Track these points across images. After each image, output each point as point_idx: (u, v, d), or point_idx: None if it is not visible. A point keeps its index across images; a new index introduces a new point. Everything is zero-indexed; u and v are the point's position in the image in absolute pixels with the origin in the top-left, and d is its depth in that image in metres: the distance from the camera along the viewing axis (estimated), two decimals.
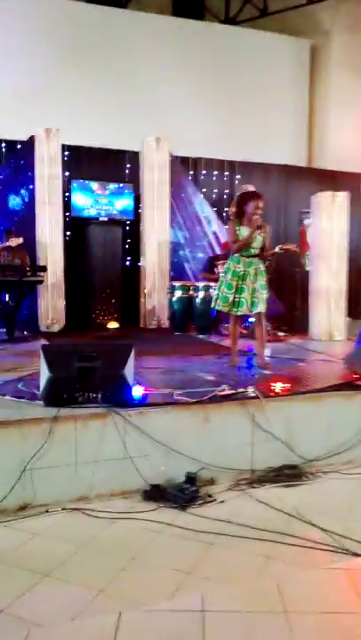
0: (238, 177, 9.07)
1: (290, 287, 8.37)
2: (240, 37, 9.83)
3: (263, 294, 4.57)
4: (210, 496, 3.10)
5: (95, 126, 8.48)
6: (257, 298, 4.54)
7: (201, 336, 6.87)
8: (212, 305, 4.81)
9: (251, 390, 3.58)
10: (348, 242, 6.77)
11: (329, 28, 10.23)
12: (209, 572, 2.35)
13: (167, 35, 9.36)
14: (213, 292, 6.82)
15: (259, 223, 4.47)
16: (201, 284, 7.02)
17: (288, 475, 3.35)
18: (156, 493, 3.06)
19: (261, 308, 4.56)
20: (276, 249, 4.64)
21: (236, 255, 4.57)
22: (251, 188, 8.52)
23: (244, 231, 4.51)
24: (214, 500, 3.07)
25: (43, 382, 3.19)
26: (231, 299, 4.54)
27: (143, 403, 3.37)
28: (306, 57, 10.31)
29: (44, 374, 3.17)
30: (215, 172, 8.99)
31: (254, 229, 4.47)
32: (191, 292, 7.04)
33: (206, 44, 9.58)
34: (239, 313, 4.63)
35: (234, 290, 4.53)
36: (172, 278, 7.78)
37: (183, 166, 8.51)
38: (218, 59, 9.60)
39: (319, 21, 10.25)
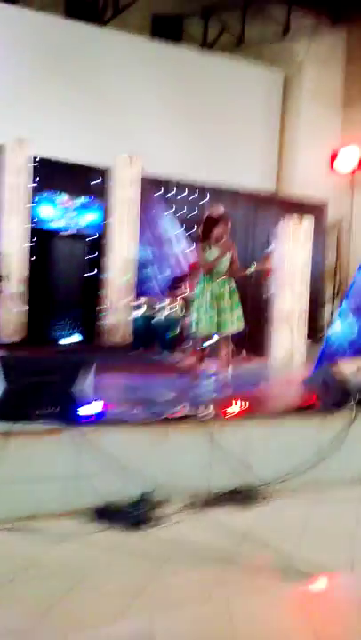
0: (208, 200, 9.18)
1: (253, 309, 8.44)
2: (216, 63, 10.04)
3: (239, 312, 4.63)
4: (163, 517, 3.05)
5: (66, 140, 8.46)
6: (234, 316, 4.59)
7: (163, 354, 6.84)
8: (195, 329, 4.71)
9: (210, 410, 3.57)
10: (310, 267, 6.92)
11: (302, 60, 10.58)
12: (158, 596, 2.30)
13: (145, 55, 9.48)
14: (181, 313, 6.86)
15: (227, 245, 4.53)
16: (165, 302, 7.01)
17: (243, 496, 3.34)
18: (109, 513, 2.99)
19: (239, 326, 4.61)
20: (251, 268, 4.69)
21: (207, 277, 4.61)
22: (220, 210, 8.66)
23: (212, 253, 4.55)
24: (167, 521, 3.03)
25: None
26: (214, 319, 4.55)
27: (100, 420, 3.31)
28: (279, 87, 10.61)
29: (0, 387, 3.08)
30: (185, 194, 9.08)
31: (223, 251, 4.52)
32: (155, 310, 7.02)
33: (183, 68, 9.74)
34: (224, 334, 4.65)
35: (215, 311, 4.55)
36: (137, 295, 7.76)
37: (154, 186, 8.56)
38: (193, 83, 9.77)
39: (293, 53, 10.59)
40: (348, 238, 10.34)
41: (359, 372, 3.84)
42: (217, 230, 4.56)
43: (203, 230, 4.66)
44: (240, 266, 4.81)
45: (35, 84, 8.65)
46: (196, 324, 4.64)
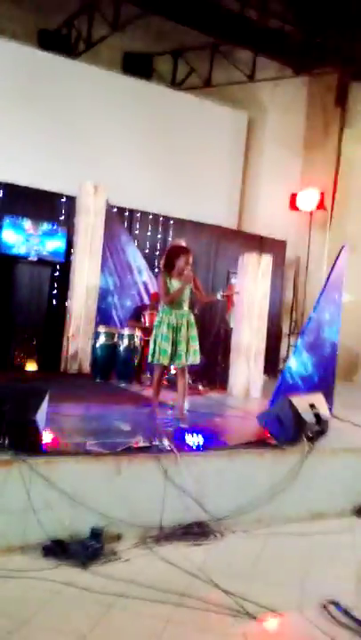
0: (171, 232, 9.33)
1: (213, 342, 8.54)
2: (184, 102, 10.35)
3: (196, 345, 4.66)
4: (114, 553, 2.99)
5: (33, 166, 8.48)
6: (190, 349, 4.61)
7: (122, 384, 6.79)
8: (150, 359, 4.70)
9: (165, 443, 3.55)
10: (268, 302, 7.08)
11: (266, 105, 11.04)
12: (106, 637, 2.23)
13: (115, 89, 9.68)
14: (142, 344, 6.83)
15: (190, 277, 4.59)
16: (126, 332, 7.00)
17: (196, 532, 3.32)
18: (58, 549, 2.91)
19: (195, 359, 4.64)
20: (218, 296, 4.72)
21: (166, 307, 4.64)
22: (182, 242, 8.80)
23: (174, 284, 4.60)
24: (119, 557, 2.97)
25: None
26: (170, 351, 4.56)
27: (52, 451, 3.24)
28: (243, 127, 11.00)
29: None
30: (150, 225, 9.20)
31: (185, 283, 4.57)
32: (116, 339, 6.98)
33: (152, 104, 9.98)
34: (180, 366, 4.65)
35: (171, 342, 4.56)
36: (98, 324, 7.72)
37: (118, 215, 8.65)
38: (161, 119, 10.01)
39: (257, 97, 11.05)
40: (305, 276, 10.66)
41: (313, 408, 3.92)
42: (179, 262, 4.62)
43: (165, 261, 4.72)
44: (206, 292, 4.84)
45: (3, 111, 8.68)
46: (152, 354, 4.65)
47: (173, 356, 4.56)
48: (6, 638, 2.15)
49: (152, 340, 4.67)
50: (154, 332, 4.69)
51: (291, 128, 11.04)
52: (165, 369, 4.97)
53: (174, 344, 4.57)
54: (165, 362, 4.61)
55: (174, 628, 2.34)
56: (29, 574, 2.69)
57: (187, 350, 4.59)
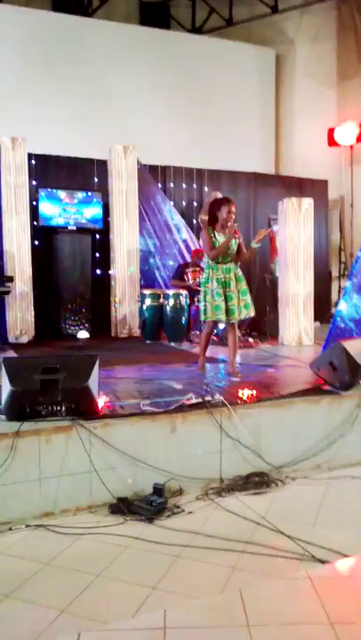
0: (207, 185, 9.11)
1: (260, 293, 8.40)
2: (206, 47, 9.91)
3: (247, 298, 4.58)
4: (178, 507, 3.07)
5: (62, 135, 8.42)
6: (244, 302, 4.54)
7: (172, 344, 6.85)
8: (203, 317, 4.64)
9: (218, 398, 3.57)
10: (314, 248, 6.85)
11: (293, 38, 10.40)
12: (174, 586, 2.31)
13: (134, 43, 9.37)
14: (187, 302, 6.81)
15: (235, 228, 4.47)
16: (171, 292, 6.99)
17: (256, 482, 3.35)
18: (123, 507, 3.01)
19: (249, 312, 4.57)
20: (253, 245, 4.56)
21: (212, 263, 4.55)
22: (219, 194, 8.59)
23: (219, 238, 4.50)
24: (182, 510, 3.05)
25: (4, 396, 3.12)
26: (223, 306, 4.49)
27: (108, 414, 3.32)
28: (271, 66, 10.44)
29: (6, 388, 3.10)
30: (184, 180, 9.01)
31: (231, 235, 4.46)
32: (162, 300, 7.00)
33: (173, 53, 9.62)
34: (233, 321, 4.60)
35: (223, 297, 4.49)
36: (143, 286, 7.75)
37: (152, 174, 8.50)
38: (185, 68, 9.65)
39: (283, 31, 10.41)
40: (351, 215, 10.21)
41: None
42: (221, 213, 4.49)
43: (208, 215, 4.60)
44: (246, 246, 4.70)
45: (25, 81, 8.60)
46: (205, 311, 4.58)
47: (227, 311, 4.49)
48: (80, 593, 2.27)
49: (202, 298, 4.61)
50: (202, 289, 4.62)
51: (322, 59, 10.37)
52: (214, 324, 4.92)
53: (227, 299, 4.49)
54: (222, 318, 4.53)
55: (241, 574, 2.39)
56: (98, 530, 2.81)
57: (239, 304, 4.51)
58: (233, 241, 4.51)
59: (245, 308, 4.54)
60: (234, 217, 4.50)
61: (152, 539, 2.73)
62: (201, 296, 4.65)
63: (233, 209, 4.51)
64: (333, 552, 2.54)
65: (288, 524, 2.84)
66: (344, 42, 10.35)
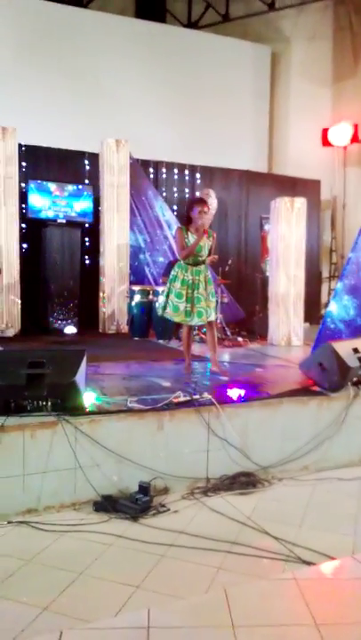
0: (199, 181, 9.07)
1: (250, 292, 8.41)
2: (202, 42, 9.84)
3: (214, 302, 4.58)
4: (163, 506, 3.04)
5: (54, 126, 8.32)
6: (210, 306, 4.51)
7: (160, 341, 6.80)
8: (160, 313, 4.68)
9: (206, 397, 3.54)
10: (305, 247, 6.84)
11: (289, 36, 10.37)
12: (158, 586, 2.28)
13: (129, 36, 9.29)
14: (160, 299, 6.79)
15: (204, 228, 4.43)
16: (160, 289, 6.92)
17: (243, 482, 3.33)
18: (108, 504, 2.97)
19: (214, 315, 4.58)
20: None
21: (182, 263, 4.52)
22: (210, 192, 8.55)
23: (191, 238, 4.45)
24: (168, 509, 3.01)
25: None
26: (182, 308, 4.45)
27: (95, 410, 3.28)
28: (267, 63, 10.41)
29: None
30: (176, 176, 8.96)
31: (201, 236, 4.41)
32: (151, 297, 6.95)
33: (168, 48, 9.54)
34: (199, 323, 4.58)
35: (184, 299, 4.45)
36: (132, 282, 7.69)
37: (144, 169, 8.44)
38: (179, 62, 9.58)
39: (280, 29, 10.38)
40: (343, 215, 10.24)
41: (356, 352, 3.80)
42: (193, 213, 4.43)
43: (185, 214, 4.57)
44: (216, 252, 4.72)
45: (17, 71, 8.48)
46: (163, 307, 4.56)
47: (192, 313, 4.46)
48: (63, 591, 2.23)
49: (165, 294, 4.58)
50: (167, 285, 4.59)
51: (318, 58, 10.35)
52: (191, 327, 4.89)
53: (192, 301, 4.46)
54: (177, 319, 4.53)
55: (226, 575, 2.37)
56: (82, 528, 2.78)
57: (206, 307, 4.47)
58: (206, 243, 4.47)
59: (213, 310, 4.56)
60: (207, 217, 4.46)
61: (136, 537, 2.69)
62: (165, 291, 4.61)
63: (205, 209, 4.48)
64: (319, 554, 2.53)
65: (274, 525, 2.82)
66: (340, 42, 10.34)
